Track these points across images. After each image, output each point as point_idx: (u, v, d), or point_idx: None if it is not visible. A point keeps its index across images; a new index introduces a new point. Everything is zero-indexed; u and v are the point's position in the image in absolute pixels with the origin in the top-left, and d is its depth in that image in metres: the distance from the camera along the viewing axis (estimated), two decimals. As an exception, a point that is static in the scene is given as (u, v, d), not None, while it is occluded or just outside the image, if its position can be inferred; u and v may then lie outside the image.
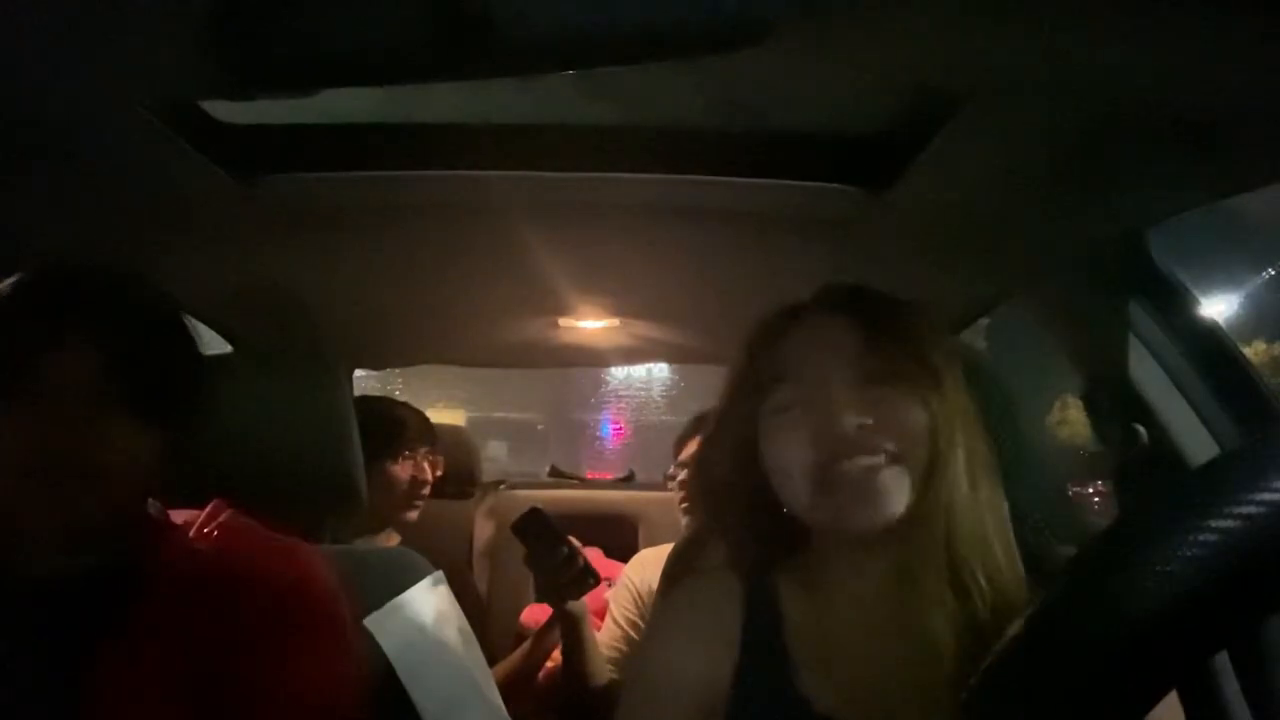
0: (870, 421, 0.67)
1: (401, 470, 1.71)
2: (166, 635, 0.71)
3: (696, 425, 1.86)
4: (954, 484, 0.68)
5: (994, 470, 0.71)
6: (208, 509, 0.83)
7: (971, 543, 0.68)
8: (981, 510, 0.69)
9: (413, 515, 1.77)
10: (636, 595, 1.75)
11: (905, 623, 0.68)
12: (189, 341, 0.79)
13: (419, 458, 1.76)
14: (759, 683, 0.69)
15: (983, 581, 0.66)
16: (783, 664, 0.69)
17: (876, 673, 0.67)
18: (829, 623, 0.71)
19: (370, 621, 0.91)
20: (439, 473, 1.83)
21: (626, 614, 1.75)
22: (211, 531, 0.80)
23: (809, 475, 0.68)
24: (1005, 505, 0.72)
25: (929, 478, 0.68)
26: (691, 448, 1.85)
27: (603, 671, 1.54)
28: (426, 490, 1.77)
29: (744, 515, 0.76)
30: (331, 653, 0.78)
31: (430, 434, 1.83)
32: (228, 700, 0.70)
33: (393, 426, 1.72)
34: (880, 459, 0.67)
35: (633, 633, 1.72)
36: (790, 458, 0.70)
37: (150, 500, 0.80)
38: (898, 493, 0.67)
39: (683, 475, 1.86)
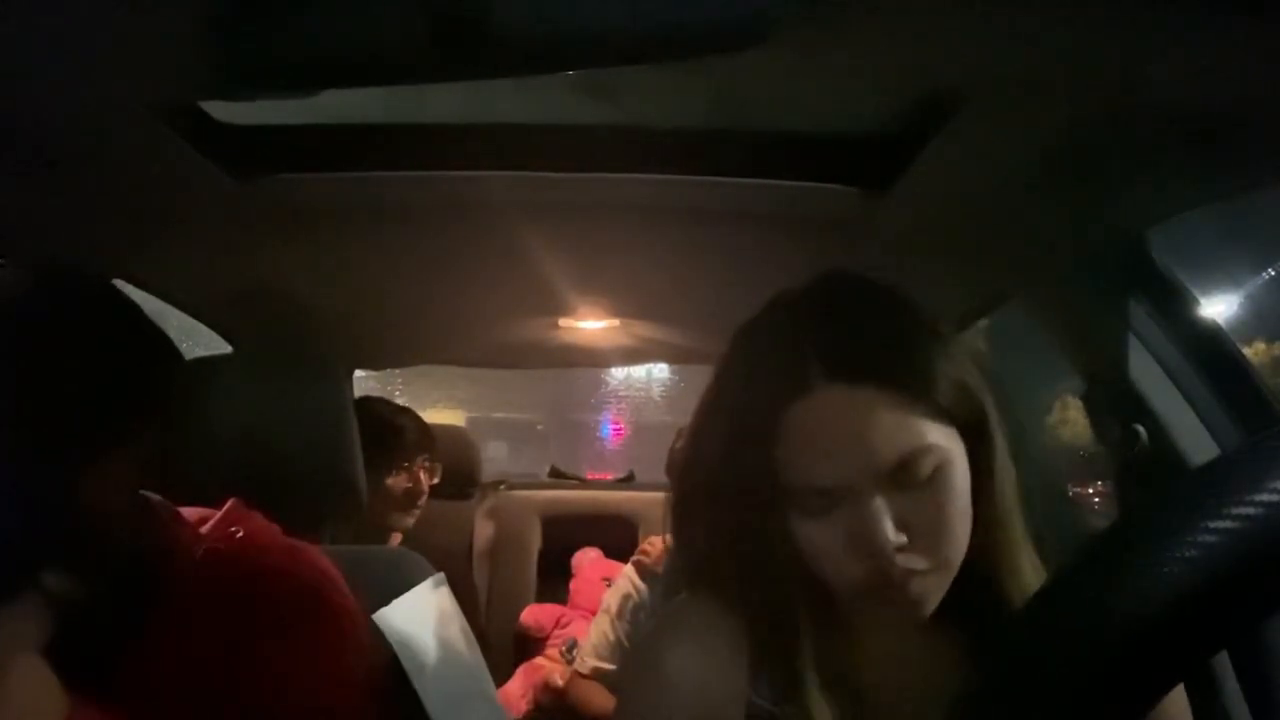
0: (908, 535, 0.61)
1: (397, 482, 1.71)
2: (193, 635, 0.71)
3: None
4: (1008, 543, 0.66)
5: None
6: (225, 508, 0.83)
7: (1016, 587, 0.66)
8: (1027, 548, 0.67)
9: (409, 522, 1.78)
10: (636, 593, 1.76)
11: (927, 669, 0.66)
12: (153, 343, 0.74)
13: (416, 467, 1.76)
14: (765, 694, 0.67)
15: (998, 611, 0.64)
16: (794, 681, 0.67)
17: (885, 695, 0.66)
18: (840, 648, 0.69)
19: (379, 617, 0.92)
20: (435, 480, 1.84)
21: (624, 613, 1.75)
22: (236, 532, 0.80)
23: (851, 584, 0.64)
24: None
25: (981, 543, 0.65)
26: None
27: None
28: (423, 500, 1.78)
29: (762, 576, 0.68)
30: (351, 651, 0.79)
31: (428, 441, 1.83)
32: (251, 698, 0.70)
33: (390, 436, 1.72)
34: (922, 567, 0.62)
35: (628, 632, 1.72)
36: (828, 562, 0.64)
37: (159, 499, 0.80)
38: (936, 593, 0.63)
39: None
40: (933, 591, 0.63)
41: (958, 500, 0.63)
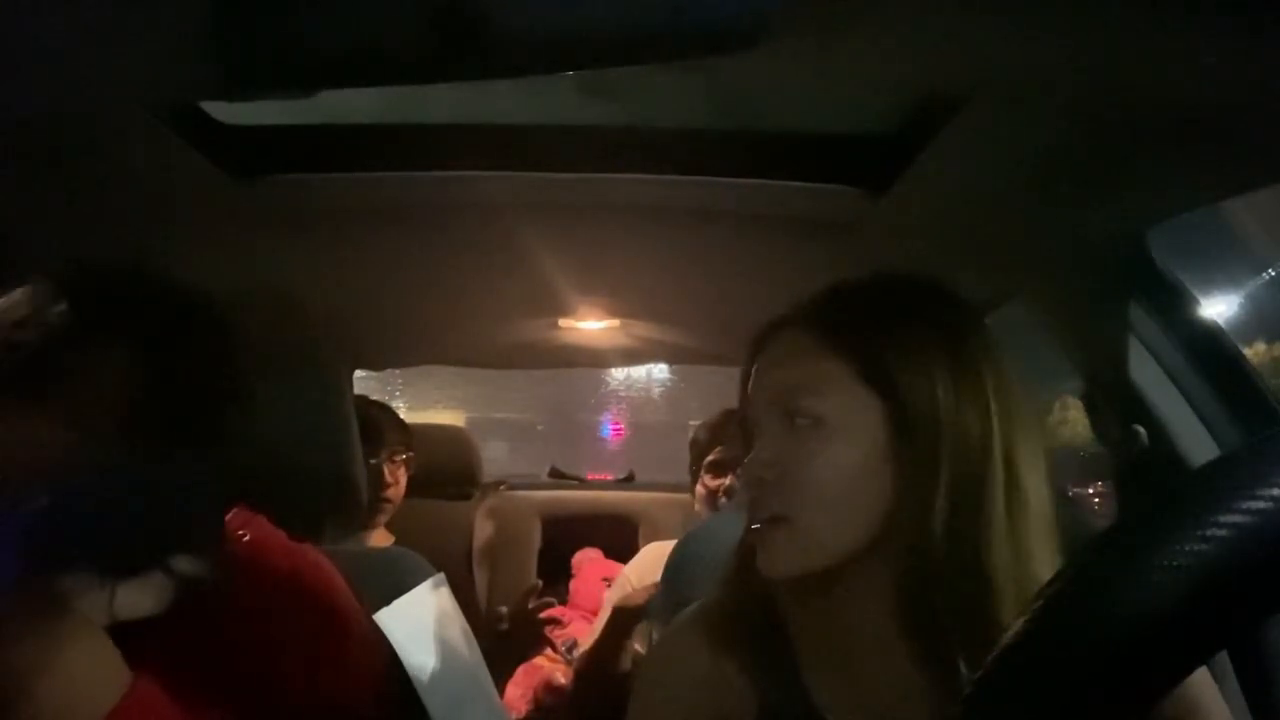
0: (775, 474, 0.63)
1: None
2: (207, 640, 0.71)
3: (714, 432, 1.84)
4: (924, 525, 0.60)
5: (1027, 487, 0.62)
6: (231, 513, 0.83)
7: (922, 591, 0.61)
8: (964, 557, 0.60)
9: (381, 518, 1.78)
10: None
11: (905, 657, 0.64)
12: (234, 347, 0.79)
13: (382, 460, 1.76)
14: (771, 692, 0.68)
15: (957, 617, 0.59)
16: (795, 673, 0.68)
17: (883, 689, 0.65)
18: (834, 642, 0.68)
19: (379, 617, 0.92)
20: (409, 473, 1.84)
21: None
22: (243, 535, 0.81)
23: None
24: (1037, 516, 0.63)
25: (888, 518, 0.62)
26: (715, 455, 1.81)
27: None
28: (390, 494, 1.78)
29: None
30: (355, 652, 0.79)
31: (403, 436, 1.83)
32: (257, 700, 0.71)
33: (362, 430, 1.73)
34: (771, 516, 0.63)
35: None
36: (744, 492, 0.68)
37: None
38: (788, 553, 0.63)
39: (715, 483, 1.81)
40: (781, 548, 0.63)
41: (830, 465, 0.62)
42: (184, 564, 0.66)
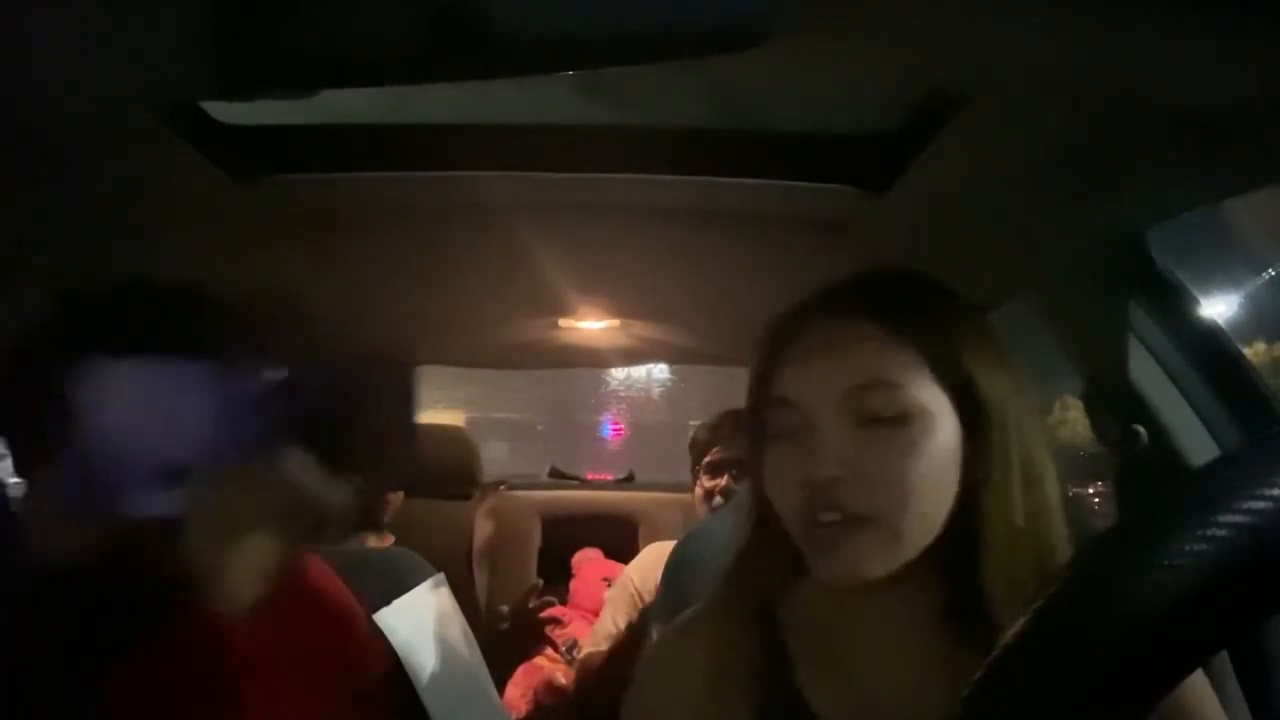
0: (849, 474, 0.59)
1: None
2: (209, 642, 0.71)
3: (713, 433, 1.84)
4: (989, 523, 0.60)
5: (1052, 481, 0.62)
6: None
7: (1008, 576, 0.59)
8: (1037, 535, 0.60)
9: (381, 519, 1.78)
10: (636, 595, 1.75)
11: (917, 660, 0.64)
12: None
13: None
14: (765, 696, 0.67)
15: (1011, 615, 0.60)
16: (790, 677, 0.67)
17: (884, 694, 0.65)
18: (836, 645, 0.68)
19: (379, 617, 0.92)
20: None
21: (624, 616, 1.75)
22: None
23: (794, 516, 0.63)
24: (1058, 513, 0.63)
25: (951, 519, 0.61)
26: (712, 456, 1.81)
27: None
28: (390, 494, 1.78)
29: (756, 535, 0.71)
30: (354, 653, 0.79)
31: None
32: (257, 701, 0.70)
33: None
34: (852, 517, 0.59)
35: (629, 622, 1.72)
36: (778, 494, 0.64)
37: None
38: (875, 555, 0.60)
39: (712, 483, 1.80)
40: (868, 550, 0.60)
41: (919, 461, 0.59)
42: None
